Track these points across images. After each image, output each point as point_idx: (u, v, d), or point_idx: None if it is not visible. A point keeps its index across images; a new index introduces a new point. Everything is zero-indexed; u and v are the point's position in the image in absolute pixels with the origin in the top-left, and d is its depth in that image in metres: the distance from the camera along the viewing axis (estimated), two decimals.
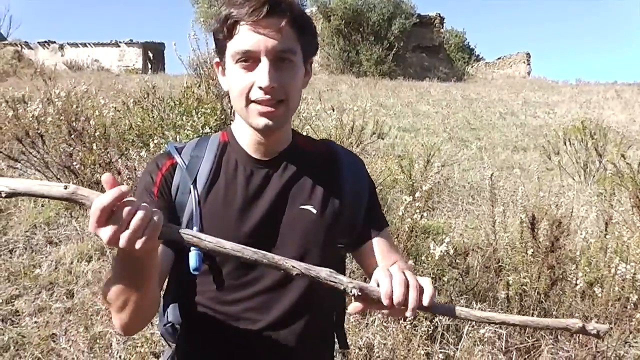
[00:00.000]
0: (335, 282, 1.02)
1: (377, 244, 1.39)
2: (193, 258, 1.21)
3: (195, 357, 1.34)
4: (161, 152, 1.39)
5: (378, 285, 1.05)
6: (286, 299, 1.28)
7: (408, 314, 1.04)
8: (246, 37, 1.16)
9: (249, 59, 1.18)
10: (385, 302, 1.03)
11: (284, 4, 1.17)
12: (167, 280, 1.34)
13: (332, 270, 1.03)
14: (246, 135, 1.31)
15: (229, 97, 1.38)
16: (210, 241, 0.99)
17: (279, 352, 1.29)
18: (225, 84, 1.29)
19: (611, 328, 3.24)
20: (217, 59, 1.30)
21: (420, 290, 1.04)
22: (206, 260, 1.25)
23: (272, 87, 1.17)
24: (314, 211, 1.30)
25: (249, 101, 1.20)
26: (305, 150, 1.37)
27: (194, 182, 1.27)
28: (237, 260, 1.20)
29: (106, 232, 0.92)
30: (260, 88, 1.17)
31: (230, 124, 1.49)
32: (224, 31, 1.19)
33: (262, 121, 1.21)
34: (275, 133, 1.28)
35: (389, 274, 1.05)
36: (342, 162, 1.39)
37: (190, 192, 1.27)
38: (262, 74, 1.17)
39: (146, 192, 1.28)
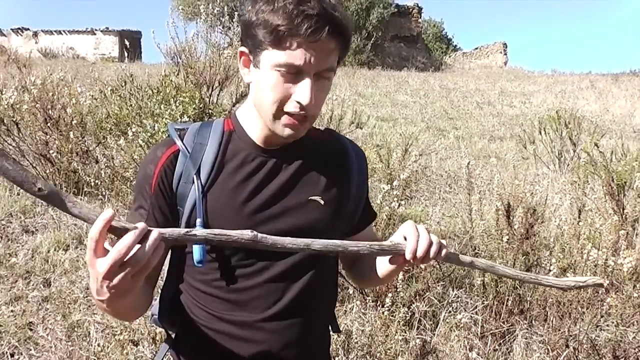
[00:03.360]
0: (397, 249, 1.18)
1: (367, 234, 1.44)
2: (197, 251, 1.19)
3: (200, 346, 1.32)
4: (165, 138, 1.32)
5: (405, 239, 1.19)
6: (295, 286, 1.28)
7: (423, 263, 1.21)
8: (297, 54, 1.12)
9: (292, 73, 1.14)
10: (408, 256, 1.16)
11: (342, 27, 1.14)
12: (167, 270, 1.35)
13: (387, 240, 1.17)
14: (257, 126, 1.27)
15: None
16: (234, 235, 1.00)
17: (286, 340, 1.28)
18: (248, 77, 1.24)
19: (583, 313, 3.32)
20: (244, 49, 1.22)
21: (439, 246, 1.19)
22: (212, 252, 1.23)
23: (311, 105, 1.15)
24: (322, 202, 1.29)
25: (281, 111, 1.17)
26: (313, 139, 1.34)
27: (198, 172, 1.23)
28: (247, 250, 1.20)
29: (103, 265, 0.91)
30: (299, 103, 1.15)
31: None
32: (270, 38, 1.12)
33: (288, 132, 1.19)
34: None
35: (416, 232, 1.18)
36: (350, 153, 1.39)
37: (193, 181, 1.22)
38: (304, 91, 1.14)
39: (144, 186, 1.25)
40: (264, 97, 1.18)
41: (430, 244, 1.17)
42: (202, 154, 1.25)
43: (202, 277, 1.27)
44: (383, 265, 1.34)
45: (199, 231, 0.99)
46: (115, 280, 0.92)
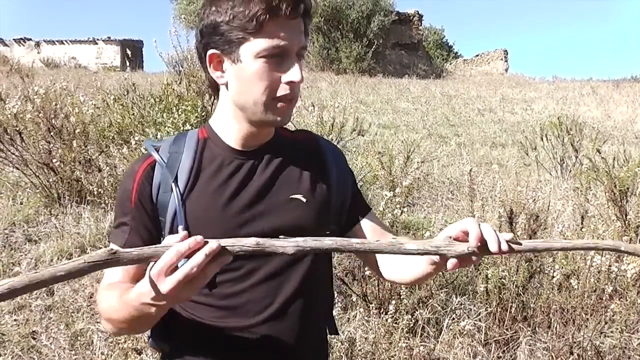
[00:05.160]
0: (452, 249, 1.08)
1: (367, 225, 1.42)
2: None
3: (195, 356, 1.29)
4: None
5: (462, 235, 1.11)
6: (287, 287, 1.27)
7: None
8: (280, 34, 1.15)
9: (278, 56, 1.16)
10: (474, 243, 1.07)
11: (310, 3, 1.20)
12: None
13: (443, 239, 1.08)
14: (233, 129, 1.28)
15: (211, 93, 1.34)
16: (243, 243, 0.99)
17: (283, 342, 1.27)
18: (222, 78, 1.23)
19: (587, 320, 3.31)
20: (213, 51, 1.21)
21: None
22: None
23: (300, 82, 1.19)
24: (304, 200, 1.30)
25: (273, 98, 1.19)
26: (288, 139, 1.37)
27: (175, 180, 1.23)
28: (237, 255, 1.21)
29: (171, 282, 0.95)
30: (290, 83, 1.18)
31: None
32: (252, 26, 1.13)
33: (280, 117, 1.22)
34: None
35: (477, 224, 1.10)
36: (325, 151, 1.40)
37: (172, 190, 1.23)
38: (295, 69, 1.17)
39: (124, 202, 1.25)
40: (251, 89, 1.19)
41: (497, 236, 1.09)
42: (178, 162, 1.26)
43: None
44: (415, 267, 1.28)
45: (249, 241, 0.99)
46: (178, 294, 0.97)
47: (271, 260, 1.25)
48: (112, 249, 0.91)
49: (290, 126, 1.46)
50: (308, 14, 1.20)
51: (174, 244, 0.96)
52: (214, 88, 1.29)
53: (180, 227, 1.18)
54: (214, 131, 1.31)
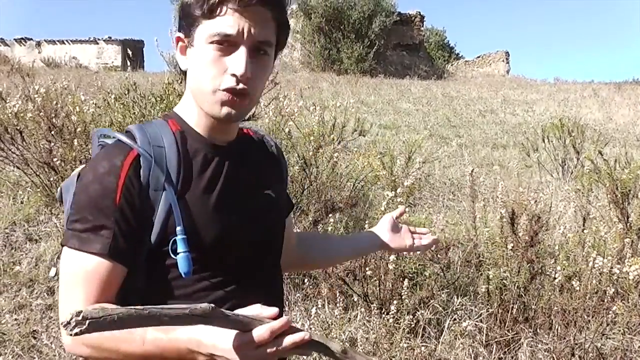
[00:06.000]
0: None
1: (290, 218, 1.52)
2: (183, 261, 1.10)
3: None
4: (109, 145, 1.19)
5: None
6: (272, 285, 1.31)
7: None
8: (230, 21, 1.10)
9: (225, 43, 1.11)
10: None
11: None
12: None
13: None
14: (202, 121, 1.23)
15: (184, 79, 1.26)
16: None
17: None
18: (185, 63, 1.21)
19: (589, 321, 3.30)
20: (180, 34, 1.19)
21: None
22: (198, 261, 1.14)
23: (247, 77, 1.12)
24: (273, 195, 1.32)
25: (217, 88, 1.14)
26: (253, 138, 1.39)
27: (168, 177, 1.15)
28: (240, 250, 1.22)
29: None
30: (233, 75, 1.12)
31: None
32: (203, 8, 1.10)
33: (225, 110, 1.15)
34: (234, 123, 1.25)
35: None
36: (278, 151, 1.44)
37: (164, 188, 1.14)
38: (239, 61, 1.11)
39: (102, 202, 1.11)
40: (200, 75, 1.15)
41: None
42: (164, 157, 1.17)
43: (182, 290, 1.18)
44: (355, 249, 1.70)
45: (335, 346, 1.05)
46: None
47: (260, 258, 1.27)
48: (214, 307, 0.91)
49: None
50: (276, 5, 1.15)
51: (266, 319, 0.99)
52: (185, 74, 1.24)
53: (179, 228, 1.11)
54: (186, 122, 1.24)
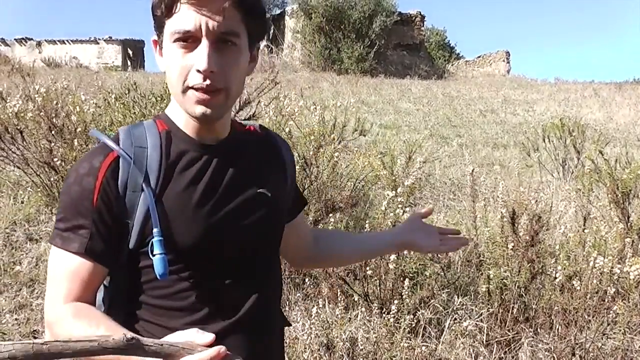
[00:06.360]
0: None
1: (301, 218, 1.52)
2: (159, 263, 1.10)
3: None
4: (95, 146, 1.21)
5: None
6: (261, 285, 1.26)
7: None
8: (186, 16, 1.08)
9: (188, 39, 1.09)
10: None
11: None
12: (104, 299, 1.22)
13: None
14: (189, 122, 1.21)
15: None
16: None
17: (259, 339, 1.25)
18: (162, 64, 1.18)
19: (589, 321, 3.29)
20: (155, 37, 1.19)
21: None
22: (173, 263, 1.14)
23: (211, 72, 1.09)
24: (269, 194, 1.28)
25: (186, 87, 1.12)
26: (249, 135, 1.33)
27: (146, 178, 1.14)
28: (211, 254, 1.19)
29: None
30: (199, 71, 1.09)
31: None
32: (161, 7, 1.10)
33: (200, 109, 1.13)
34: (216, 121, 1.21)
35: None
36: (279, 145, 1.39)
37: (142, 189, 1.13)
38: (201, 56, 1.09)
39: (81, 202, 1.13)
40: (170, 75, 1.14)
41: None
42: (145, 158, 1.16)
43: (162, 291, 1.18)
44: (370, 249, 1.67)
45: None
46: None
47: (245, 257, 1.24)
48: (131, 337, 0.88)
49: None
50: None
51: (199, 347, 0.96)
52: None
53: (155, 230, 1.11)
54: (173, 123, 1.23)
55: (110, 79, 13.46)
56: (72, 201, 1.14)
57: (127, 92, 5.78)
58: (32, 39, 25.77)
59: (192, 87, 1.11)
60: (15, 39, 25.66)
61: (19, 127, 5.44)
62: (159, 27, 1.15)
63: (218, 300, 1.19)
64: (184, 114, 1.20)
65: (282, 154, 1.39)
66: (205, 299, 1.18)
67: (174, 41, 1.11)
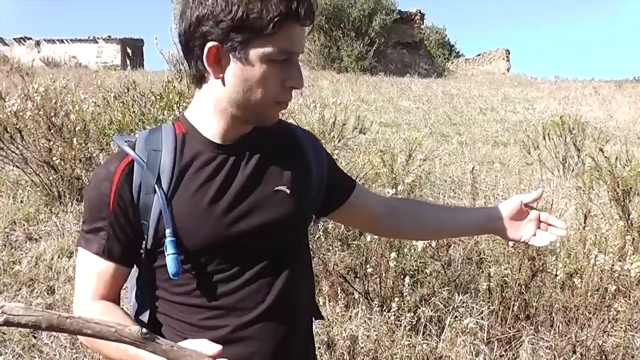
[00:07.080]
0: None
1: (358, 195, 1.51)
2: (171, 263, 1.13)
3: None
4: (113, 152, 1.31)
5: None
6: (279, 280, 1.26)
7: None
8: (294, 38, 1.14)
9: (284, 60, 1.14)
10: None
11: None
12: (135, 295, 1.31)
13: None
14: (212, 123, 1.22)
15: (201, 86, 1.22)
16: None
17: (277, 335, 1.26)
18: (219, 73, 1.15)
19: (590, 319, 3.29)
20: (215, 44, 1.11)
21: None
22: (186, 262, 1.18)
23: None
24: (288, 191, 1.27)
25: (277, 101, 1.19)
26: (264, 130, 1.30)
27: (158, 180, 1.17)
28: (225, 252, 1.20)
29: None
30: (292, 88, 1.18)
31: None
32: (268, 28, 1.08)
33: (274, 119, 1.23)
34: None
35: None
36: (301, 139, 1.38)
37: (155, 191, 1.16)
38: (298, 76, 1.18)
39: (99, 206, 1.19)
40: (255, 90, 1.15)
41: None
42: (158, 161, 1.19)
43: (180, 289, 1.22)
44: (459, 226, 1.64)
45: None
46: None
47: (261, 255, 1.24)
48: (146, 332, 0.91)
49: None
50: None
51: (204, 357, 0.98)
52: (199, 79, 1.21)
53: (167, 231, 1.14)
54: (192, 125, 1.24)
55: (110, 78, 13.44)
56: (91, 205, 1.22)
57: (126, 91, 5.76)
58: (30, 38, 25.77)
59: (279, 102, 1.19)
60: (14, 39, 25.67)
61: (18, 127, 5.43)
62: (242, 42, 1.11)
63: (235, 297, 1.22)
64: (213, 118, 1.21)
65: (302, 146, 1.37)
66: (221, 296, 1.22)
67: (270, 60, 1.13)
